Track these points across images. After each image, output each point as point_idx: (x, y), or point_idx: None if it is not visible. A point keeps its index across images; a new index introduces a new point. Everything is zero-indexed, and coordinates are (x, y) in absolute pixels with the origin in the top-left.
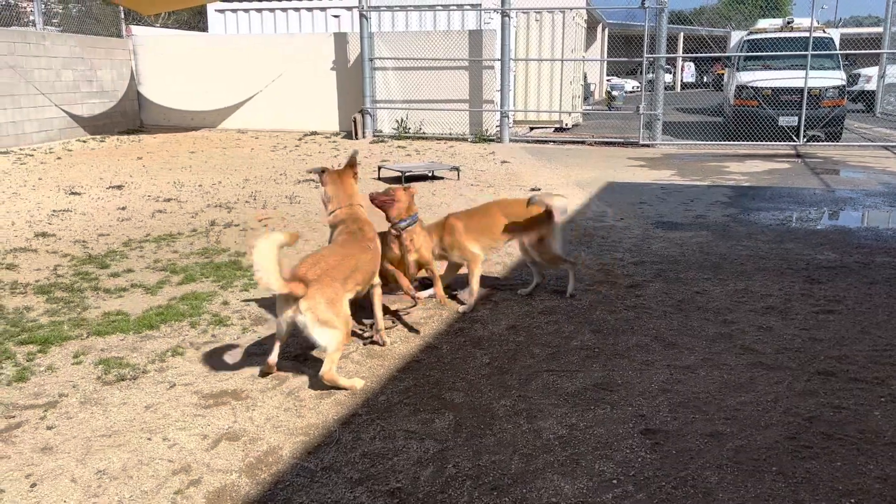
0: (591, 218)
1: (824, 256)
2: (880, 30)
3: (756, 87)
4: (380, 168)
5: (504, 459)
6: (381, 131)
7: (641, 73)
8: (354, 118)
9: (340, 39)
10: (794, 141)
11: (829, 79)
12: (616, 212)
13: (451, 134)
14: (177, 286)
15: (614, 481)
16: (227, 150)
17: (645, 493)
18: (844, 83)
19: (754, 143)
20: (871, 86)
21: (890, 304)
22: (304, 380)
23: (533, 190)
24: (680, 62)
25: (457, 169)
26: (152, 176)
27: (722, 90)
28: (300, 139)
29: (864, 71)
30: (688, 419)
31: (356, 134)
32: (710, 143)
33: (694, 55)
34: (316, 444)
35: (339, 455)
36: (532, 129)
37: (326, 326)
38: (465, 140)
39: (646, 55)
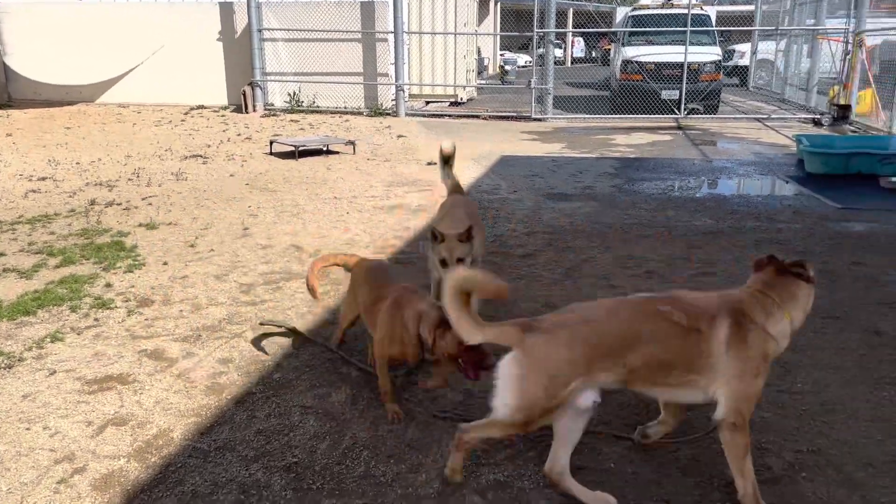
0: (485, 191)
1: (701, 223)
2: (752, 8)
3: (640, 62)
4: (272, 142)
5: (401, 429)
6: (272, 105)
7: (533, 47)
8: (244, 91)
9: (227, 9)
10: (676, 114)
11: (707, 54)
12: (509, 185)
13: (345, 108)
14: (55, 269)
15: (505, 442)
16: (106, 125)
17: (535, 451)
18: (720, 58)
19: (639, 116)
20: (745, 61)
21: None
22: (195, 361)
23: (429, 164)
24: (570, 37)
25: (352, 143)
26: (23, 154)
27: (609, 65)
28: (186, 113)
29: (738, 47)
30: None
31: (246, 108)
32: (598, 116)
33: (582, 30)
34: (209, 424)
35: (234, 434)
36: (428, 103)
37: None
38: (360, 114)
39: (536, 30)
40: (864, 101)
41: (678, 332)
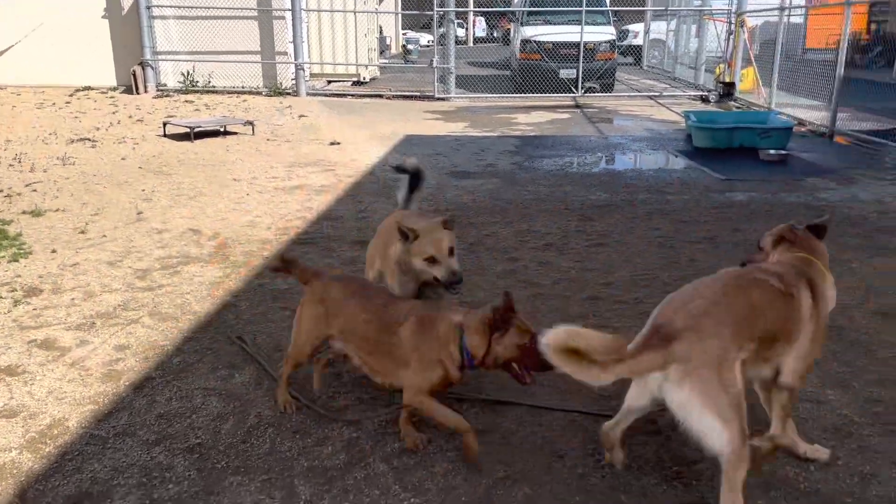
0: (389, 170)
1: (596, 196)
2: None
3: (538, 42)
4: (165, 124)
5: (284, 422)
6: (165, 85)
7: (434, 27)
8: (133, 71)
9: None
10: (574, 92)
11: (602, 34)
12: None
13: (243, 88)
14: None
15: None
16: None
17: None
18: (615, 38)
19: (539, 95)
20: (639, 41)
21: (647, 235)
22: (89, 349)
23: (332, 144)
24: (471, 16)
25: (251, 123)
26: None
27: (510, 44)
28: (71, 95)
29: (632, 27)
30: None
31: (136, 89)
32: (500, 95)
33: (482, 10)
34: (107, 411)
35: (134, 419)
36: (330, 82)
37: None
38: (259, 94)
39: (436, 9)
40: (746, 79)
41: (781, 297)
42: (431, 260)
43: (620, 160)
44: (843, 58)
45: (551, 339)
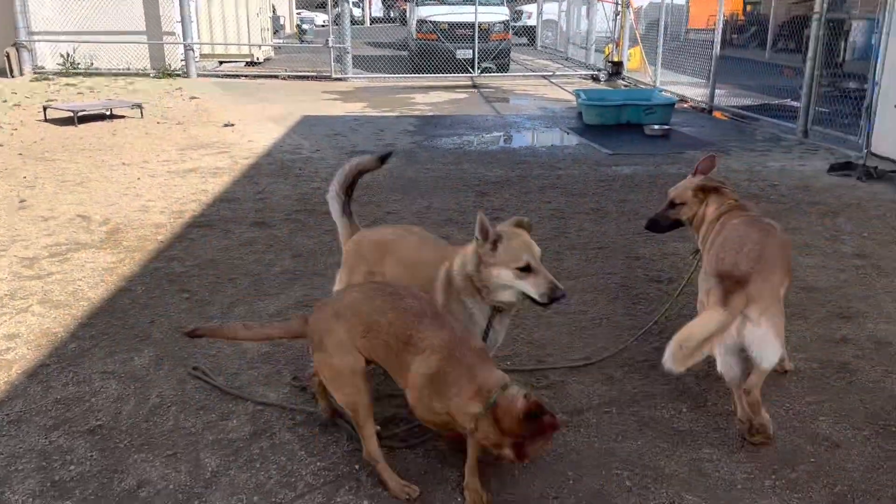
0: (287, 151)
1: (493, 173)
2: None
3: (434, 22)
4: (46, 108)
5: (201, 390)
6: (42, 68)
7: (329, 6)
8: (7, 53)
9: None
10: (471, 72)
11: (496, 14)
12: (312, 144)
13: (129, 69)
14: None
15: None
16: None
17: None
18: (509, 18)
19: (436, 75)
20: (532, 21)
21: (540, 208)
22: None
23: (227, 126)
24: None
25: (139, 106)
26: None
27: (406, 25)
28: None
29: (526, 7)
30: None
31: (11, 71)
32: (398, 75)
33: None
34: None
35: (29, 406)
36: (221, 63)
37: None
38: (146, 76)
39: None
40: (634, 58)
41: (784, 238)
42: (526, 269)
43: (516, 138)
44: (719, 38)
45: (678, 360)
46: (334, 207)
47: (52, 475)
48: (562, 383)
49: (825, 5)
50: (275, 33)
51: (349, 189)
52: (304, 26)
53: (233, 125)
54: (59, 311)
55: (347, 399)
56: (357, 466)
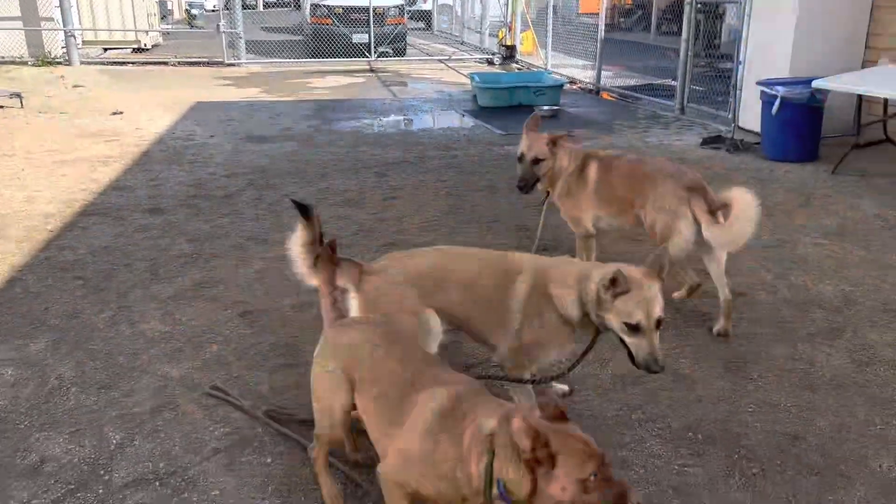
0: (180, 138)
1: (391, 155)
2: None
3: (328, 6)
4: None
5: (110, 363)
6: None
7: None
8: None
9: None
10: (368, 57)
11: None
12: (206, 130)
13: (4, 58)
14: None
15: (220, 357)
16: None
17: (245, 360)
18: (404, 3)
19: (333, 59)
20: (428, 6)
21: (436, 187)
22: None
23: (115, 114)
24: None
25: (18, 95)
26: None
27: (300, 9)
28: None
29: None
30: (282, 299)
31: None
32: (293, 60)
33: None
34: None
35: None
36: (106, 50)
37: None
38: (24, 63)
39: None
40: (526, 42)
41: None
42: (635, 329)
43: (414, 121)
44: (604, 22)
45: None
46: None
47: None
48: (455, 345)
49: None
50: (162, 18)
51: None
52: (194, 11)
53: (121, 113)
54: None
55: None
56: (260, 430)
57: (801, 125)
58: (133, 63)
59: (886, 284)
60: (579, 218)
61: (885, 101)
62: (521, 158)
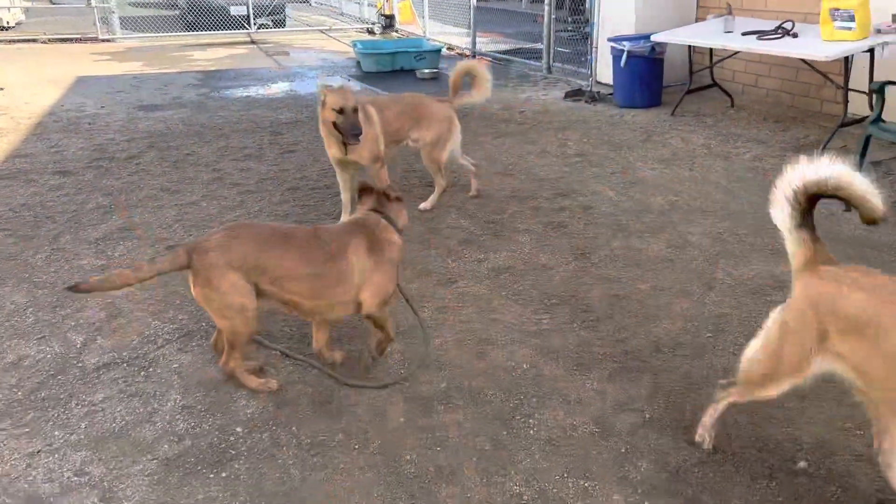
0: (71, 110)
1: (284, 116)
2: None
3: None
4: None
5: (56, 290)
6: None
7: None
8: None
9: None
10: (248, 28)
11: None
12: (95, 102)
13: None
14: None
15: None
16: None
17: (165, 287)
18: None
19: (213, 32)
20: None
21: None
22: None
23: None
24: None
25: None
26: None
27: None
28: None
29: None
30: (201, 233)
31: None
32: (171, 34)
33: None
34: None
35: None
36: None
37: None
38: None
39: None
40: (404, 12)
41: None
42: None
43: (301, 86)
44: None
45: None
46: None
47: None
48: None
49: None
50: None
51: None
52: None
53: (2, 89)
54: None
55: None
56: (204, 324)
57: (645, 75)
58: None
59: (702, 195)
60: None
61: (710, 50)
62: (342, 111)
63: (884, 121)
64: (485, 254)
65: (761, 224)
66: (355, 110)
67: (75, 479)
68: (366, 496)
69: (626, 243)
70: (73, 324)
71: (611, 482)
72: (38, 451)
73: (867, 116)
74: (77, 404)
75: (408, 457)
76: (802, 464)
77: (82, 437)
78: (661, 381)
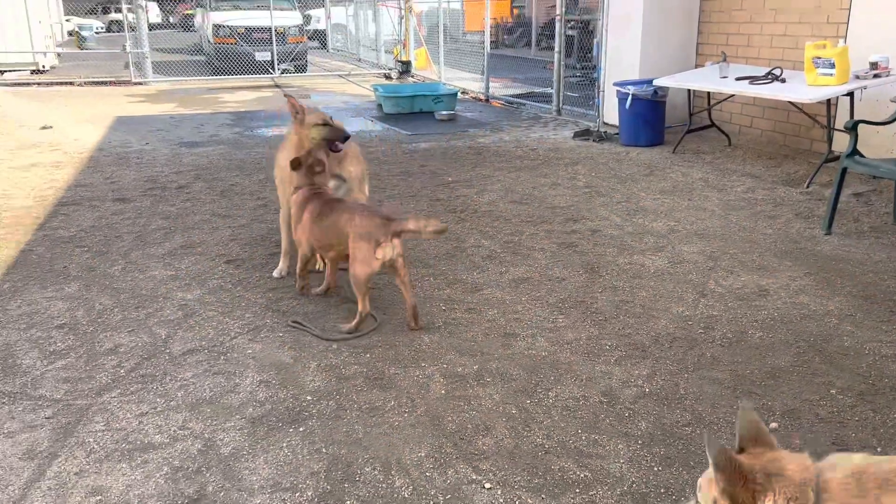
0: (117, 146)
1: None
2: None
3: (231, 26)
4: None
5: (136, 294)
6: None
7: (124, 13)
8: None
9: None
10: (271, 73)
11: (290, 18)
12: (139, 139)
13: None
14: None
15: (222, 286)
16: None
17: (242, 286)
18: (302, 22)
19: (239, 76)
20: (322, 25)
21: None
22: None
23: (44, 128)
24: (143, 1)
25: None
26: None
27: (193, 30)
28: None
29: (313, 12)
30: (254, 250)
31: None
32: (200, 78)
33: None
34: None
35: None
36: (2, 72)
37: None
38: None
39: None
40: (420, 58)
41: None
42: None
43: None
44: (489, 39)
45: None
46: None
47: (46, 349)
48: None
49: (563, 9)
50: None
51: None
52: (84, 33)
53: (50, 127)
54: None
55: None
56: (269, 320)
57: (648, 116)
58: (38, 84)
59: (699, 220)
60: None
61: (708, 94)
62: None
63: (861, 155)
64: (505, 267)
65: (750, 245)
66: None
67: (180, 432)
68: (418, 444)
69: (629, 260)
70: (155, 320)
71: (616, 436)
72: (146, 413)
73: None
74: (171, 380)
75: (449, 418)
76: (773, 424)
77: (180, 402)
78: (659, 366)
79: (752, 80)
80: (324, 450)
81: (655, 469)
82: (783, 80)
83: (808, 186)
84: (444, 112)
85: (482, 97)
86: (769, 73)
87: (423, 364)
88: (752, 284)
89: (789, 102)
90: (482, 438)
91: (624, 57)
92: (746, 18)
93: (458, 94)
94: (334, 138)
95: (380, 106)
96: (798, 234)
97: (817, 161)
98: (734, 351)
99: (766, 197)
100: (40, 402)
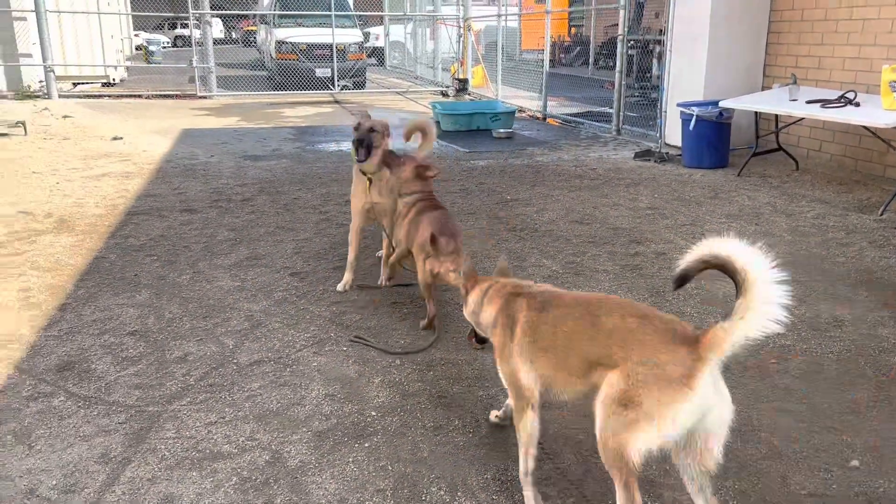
0: (184, 157)
1: None
2: None
3: (293, 43)
4: None
5: (204, 304)
6: None
7: (191, 28)
8: None
9: None
10: (331, 89)
11: (350, 36)
12: (205, 151)
13: None
14: None
15: (286, 298)
16: None
17: (305, 300)
18: (362, 40)
19: (299, 92)
20: (380, 43)
21: None
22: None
23: (115, 139)
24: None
25: (23, 124)
26: None
27: (254, 45)
28: None
29: (372, 30)
30: (318, 263)
31: None
32: (261, 93)
33: (235, 12)
34: (47, 324)
35: (72, 325)
36: (76, 84)
37: None
38: (4, 97)
39: (192, 10)
40: (477, 75)
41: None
42: None
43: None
44: (548, 58)
45: None
46: None
47: (119, 355)
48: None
49: (626, 29)
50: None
51: None
52: (152, 48)
53: (121, 138)
54: (52, 272)
55: None
56: (332, 333)
57: (712, 138)
58: (108, 96)
59: (768, 246)
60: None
61: (776, 116)
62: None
63: None
64: (568, 287)
65: (822, 273)
66: (370, 130)
67: (248, 442)
68: (483, 465)
69: (697, 285)
70: (223, 330)
71: None
72: (215, 422)
73: None
74: (238, 390)
75: (514, 440)
76: (854, 462)
77: (248, 413)
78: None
79: (824, 103)
80: (389, 467)
81: (730, 503)
82: (857, 104)
83: (882, 214)
84: (502, 130)
85: (539, 115)
86: (842, 96)
87: (486, 384)
88: (827, 314)
89: (863, 127)
90: (548, 463)
91: (687, 77)
92: (817, 41)
93: (515, 112)
94: (356, 144)
95: (438, 123)
96: (873, 263)
97: (892, 188)
98: (809, 382)
99: (837, 224)
100: (114, 408)
